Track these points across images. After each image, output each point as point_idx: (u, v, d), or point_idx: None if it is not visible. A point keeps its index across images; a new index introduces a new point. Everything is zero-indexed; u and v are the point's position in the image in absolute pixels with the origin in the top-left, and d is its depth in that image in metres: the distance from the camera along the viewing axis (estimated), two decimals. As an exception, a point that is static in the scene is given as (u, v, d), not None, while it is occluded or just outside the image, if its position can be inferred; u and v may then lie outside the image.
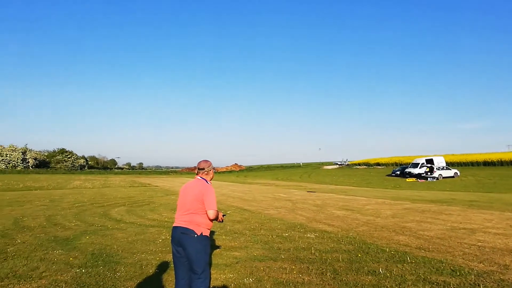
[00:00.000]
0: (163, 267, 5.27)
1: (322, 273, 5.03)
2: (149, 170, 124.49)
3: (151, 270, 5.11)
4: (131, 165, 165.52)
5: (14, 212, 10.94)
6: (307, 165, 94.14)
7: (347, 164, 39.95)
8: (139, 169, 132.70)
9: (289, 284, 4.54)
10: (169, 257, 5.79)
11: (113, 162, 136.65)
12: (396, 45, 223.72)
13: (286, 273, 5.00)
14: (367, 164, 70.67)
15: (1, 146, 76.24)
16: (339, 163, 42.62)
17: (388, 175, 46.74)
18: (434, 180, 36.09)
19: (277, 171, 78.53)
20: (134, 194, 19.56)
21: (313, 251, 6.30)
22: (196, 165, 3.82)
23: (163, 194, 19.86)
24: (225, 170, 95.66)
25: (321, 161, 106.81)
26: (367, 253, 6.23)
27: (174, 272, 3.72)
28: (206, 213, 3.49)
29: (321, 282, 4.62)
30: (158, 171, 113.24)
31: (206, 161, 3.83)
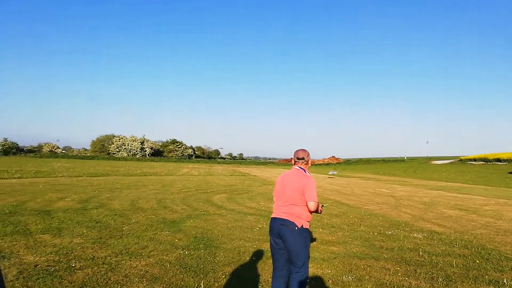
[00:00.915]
0: (259, 255, 5.31)
1: (432, 278, 4.48)
2: (249, 160, 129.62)
3: (248, 258, 5.19)
4: (233, 155, 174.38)
5: (131, 195, 12.32)
6: (412, 160, 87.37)
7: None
8: (239, 159, 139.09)
9: (393, 286, 4.14)
10: (265, 246, 5.82)
11: (217, 152, 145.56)
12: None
13: (389, 274, 4.59)
14: (484, 159, 62.50)
15: (124, 136, 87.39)
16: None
17: (510, 173, 40.60)
18: None
19: (377, 165, 74.51)
20: (234, 183, 20.46)
21: (421, 253, 5.69)
22: (293, 156, 3.65)
23: (260, 184, 20.37)
24: (321, 162, 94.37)
25: (429, 155, 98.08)
26: (487, 259, 5.40)
27: (272, 263, 3.67)
28: (306, 205, 3.33)
29: (431, 289, 4.12)
30: (257, 161, 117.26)
31: (304, 150, 3.63)
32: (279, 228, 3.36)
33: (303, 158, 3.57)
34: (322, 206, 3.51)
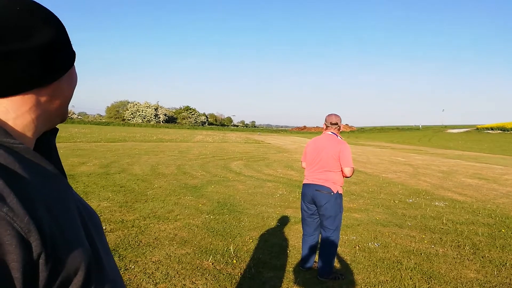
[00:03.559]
0: (283, 221, 5.38)
1: (458, 246, 4.49)
2: (261, 128, 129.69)
3: (272, 223, 5.26)
4: (245, 123, 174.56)
5: (150, 160, 12.49)
6: (427, 128, 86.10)
7: None
8: (251, 127, 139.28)
9: (420, 253, 4.16)
10: (288, 212, 5.89)
11: (229, 119, 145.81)
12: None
13: (415, 241, 4.61)
14: (502, 128, 61.11)
15: (138, 103, 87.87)
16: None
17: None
18: None
19: (392, 133, 73.66)
20: (250, 150, 20.54)
21: (444, 221, 5.69)
22: (326, 120, 3.53)
23: (275, 151, 20.41)
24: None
25: (444, 124, 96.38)
26: (513, 229, 5.37)
27: (302, 228, 3.71)
28: (342, 171, 3.30)
29: (458, 256, 4.13)
30: (269, 129, 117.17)
31: (337, 115, 3.54)
32: (314, 194, 3.37)
33: (336, 124, 3.49)
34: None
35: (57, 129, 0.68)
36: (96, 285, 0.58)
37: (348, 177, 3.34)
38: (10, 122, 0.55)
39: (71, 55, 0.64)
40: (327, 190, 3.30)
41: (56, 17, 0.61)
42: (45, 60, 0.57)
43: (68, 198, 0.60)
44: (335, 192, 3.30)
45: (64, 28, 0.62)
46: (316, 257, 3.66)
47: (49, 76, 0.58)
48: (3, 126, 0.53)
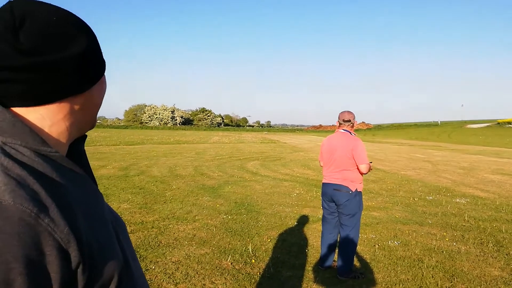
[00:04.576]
0: (301, 220, 5.37)
1: (481, 243, 4.39)
2: (277, 128, 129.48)
3: (290, 222, 5.26)
4: (260, 123, 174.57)
5: (168, 162, 12.65)
6: (446, 124, 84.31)
7: None
8: (267, 127, 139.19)
9: (442, 251, 4.09)
10: (305, 211, 5.87)
11: (245, 120, 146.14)
12: None
13: (436, 239, 4.53)
14: (526, 122, 59.29)
15: (155, 106, 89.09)
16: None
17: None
18: None
19: (410, 130, 72.41)
20: (266, 150, 20.56)
21: (466, 218, 5.57)
22: (339, 117, 3.51)
23: (291, 151, 20.35)
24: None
25: (464, 119, 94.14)
26: (539, 226, 5.21)
27: (322, 227, 3.70)
28: (358, 168, 3.28)
29: (481, 254, 4.04)
30: (285, 129, 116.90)
31: (350, 112, 3.50)
32: (332, 193, 3.36)
33: (349, 121, 3.45)
34: (370, 162, 3.40)
35: (86, 136, 0.70)
36: None
37: (364, 174, 3.31)
38: (46, 130, 0.56)
39: (103, 64, 0.65)
40: (345, 189, 3.29)
41: (88, 26, 0.62)
42: (81, 69, 0.58)
43: (100, 204, 0.62)
44: (353, 191, 3.28)
45: (96, 37, 0.63)
46: (336, 256, 3.65)
47: (84, 84, 0.60)
48: (39, 133, 0.55)
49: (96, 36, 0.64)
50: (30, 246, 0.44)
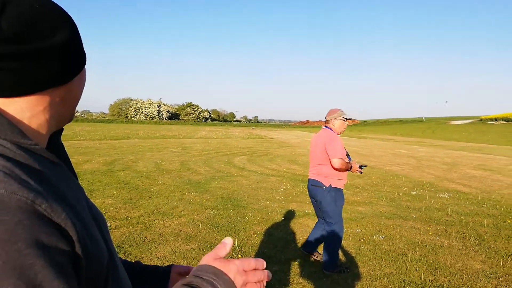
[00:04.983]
0: (288, 215, 5.38)
1: (464, 237, 4.49)
2: (264, 123, 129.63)
3: (276, 217, 5.26)
4: (247, 118, 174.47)
5: (154, 157, 12.52)
6: (430, 120, 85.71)
7: None
8: (254, 122, 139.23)
9: (425, 245, 4.16)
10: (292, 206, 5.89)
11: (232, 115, 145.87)
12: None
13: (420, 233, 4.60)
14: (506, 119, 60.69)
15: (141, 100, 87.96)
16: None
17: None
18: None
19: (395, 126, 73.37)
20: (253, 145, 20.54)
21: (449, 213, 5.67)
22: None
23: (278, 146, 20.40)
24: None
25: (448, 115, 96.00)
26: (518, 220, 5.35)
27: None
28: (330, 163, 3.31)
29: (464, 248, 4.12)
30: (272, 124, 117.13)
31: (334, 109, 3.55)
32: (311, 189, 3.45)
33: (331, 119, 3.51)
34: (362, 166, 3.44)
35: (63, 129, 0.69)
36: (113, 282, 0.59)
37: (337, 169, 3.28)
38: (25, 121, 0.54)
39: (84, 56, 0.63)
40: (319, 185, 3.35)
41: (70, 16, 0.60)
42: (62, 60, 0.56)
43: (82, 197, 0.60)
44: (327, 186, 3.33)
45: (77, 28, 0.61)
46: (321, 250, 3.67)
47: (65, 76, 0.58)
48: (18, 125, 0.52)
49: (78, 27, 0.62)
50: (37, 231, 0.44)
